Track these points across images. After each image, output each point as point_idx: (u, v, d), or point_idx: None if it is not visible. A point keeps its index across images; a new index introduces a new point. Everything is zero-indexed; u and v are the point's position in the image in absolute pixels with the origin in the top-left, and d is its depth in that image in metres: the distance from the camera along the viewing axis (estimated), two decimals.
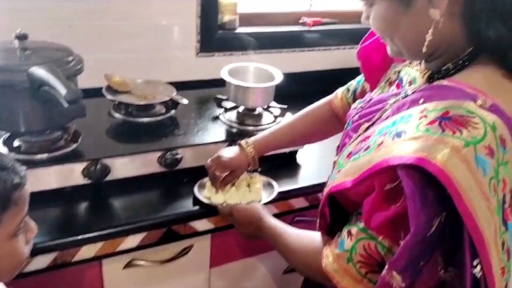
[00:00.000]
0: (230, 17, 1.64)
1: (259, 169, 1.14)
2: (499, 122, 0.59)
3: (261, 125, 1.31)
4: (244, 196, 1.06)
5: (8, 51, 1.03)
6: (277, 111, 1.36)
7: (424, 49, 0.66)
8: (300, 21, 1.83)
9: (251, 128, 1.29)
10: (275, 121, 1.33)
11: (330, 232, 0.77)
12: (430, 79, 0.71)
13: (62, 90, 0.89)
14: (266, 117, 1.35)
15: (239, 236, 1.03)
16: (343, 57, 1.84)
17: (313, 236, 0.83)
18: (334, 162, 0.85)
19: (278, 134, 1.11)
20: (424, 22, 0.64)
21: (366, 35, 0.95)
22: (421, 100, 0.65)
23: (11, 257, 0.71)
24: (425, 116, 0.61)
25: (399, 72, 0.83)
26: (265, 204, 1.06)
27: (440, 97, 0.63)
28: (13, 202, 0.68)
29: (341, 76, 1.20)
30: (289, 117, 1.15)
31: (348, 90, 1.09)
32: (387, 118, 0.71)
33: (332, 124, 1.09)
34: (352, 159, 0.71)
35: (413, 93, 0.70)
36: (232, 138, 1.23)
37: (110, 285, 1.04)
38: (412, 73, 0.78)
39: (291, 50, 1.76)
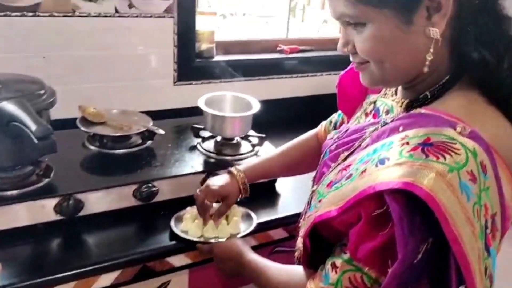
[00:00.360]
0: (207, 45, 1.64)
1: (238, 199, 1.12)
2: (479, 149, 0.59)
3: (239, 154, 1.30)
4: (222, 229, 1.04)
5: None
6: (255, 140, 1.35)
7: (425, 69, 0.66)
8: (277, 48, 1.84)
9: (229, 157, 1.28)
10: (253, 150, 1.32)
11: (311, 264, 0.76)
12: (408, 107, 0.71)
13: (32, 126, 0.87)
14: (244, 146, 1.34)
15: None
16: (320, 83, 1.85)
17: (295, 271, 0.82)
18: (313, 192, 0.84)
19: (269, 163, 1.11)
20: (421, 42, 0.65)
21: (348, 68, 0.96)
22: (401, 128, 0.65)
23: None
24: (407, 143, 0.61)
25: (374, 102, 0.84)
26: (244, 236, 1.04)
27: (420, 125, 0.63)
28: None
29: (318, 102, 1.21)
30: (281, 146, 1.15)
31: (330, 122, 1.10)
32: (366, 146, 0.71)
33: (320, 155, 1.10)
34: (334, 188, 0.71)
35: (391, 121, 0.71)
36: (210, 169, 1.21)
37: None
38: (389, 102, 0.78)
39: (269, 77, 1.77)
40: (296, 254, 0.86)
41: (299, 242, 0.85)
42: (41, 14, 1.32)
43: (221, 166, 1.23)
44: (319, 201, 0.73)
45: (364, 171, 0.65)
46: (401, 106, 0.74)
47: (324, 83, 1.84)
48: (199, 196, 1.03)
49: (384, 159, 0.62)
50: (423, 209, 0.55)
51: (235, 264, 0.94)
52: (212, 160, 1.27)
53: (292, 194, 1.27)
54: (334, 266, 0.68)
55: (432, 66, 0.66)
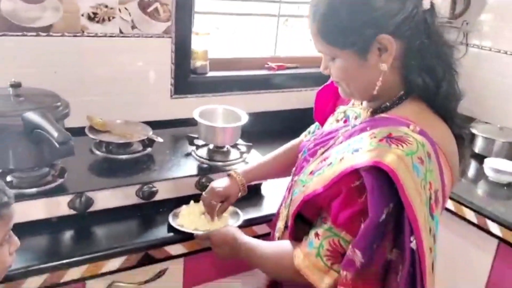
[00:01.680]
0: (201, 62, 1.81)
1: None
2: (426, 142, 0.80)
3: (229, 160, 1.47)
4: (212, 224, 1.20)
5: (2, 98, 1.16)
6: (243, 148, 1.53)
7: (375, 92, 0.87)
8: (266, 65, 2.02)
9: (220, 163, 1.45)
10: (241, 157, 1.49)
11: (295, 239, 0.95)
12: (373, 113, 0.92)
13: (54, 133, 1.03)
14: (234, 154, 1.51)
15: (212, 259, 1.18)
16: (305, 98, 2.02)
17: (283, 243, 1.00)
18: (293, 182, 1.02)
19: (263, 166, 1.29)
20: (374, 72, 0.85)
21: (323, 86, 1.15)
22: (368, 128, 0.86)
23: None
24: (375, 137, 0.82)
25: (344, 111, 1.05)
26: None
27: (383, 125, 0.84)
28: (0, 217, 0.80)
29: (302, 115, 1.37)
30: (272, 152, 1.32)
31: (309, 132, 1.29)
32: (341, 142, 0.92)
33: None
34: (317, 174, 0.90)
35: (360, 124, 0.92)
36: (203, 173, 1.38)
37: None
38: (357, 110, 1.00)
39: (257, 92, 1.95)
40: (277, 235, 1.05)
41: (280, 225, 1.03)
42: (53, 34, 1.49)
43: (213, 170, 1.40)
44: (303, 186, 0.93)
45: (342, 158, 0.85)
46: (367, 113, 0.94)
47: (308, 97, 2.00)
48: (206, 198, 1.21)
49: (358, 149, 0.83)
50: (387, 181, 0.76)
51: (230, 247, 1.09)
52: (205, 165, 1.43)
53: (274, 196, 1.42)
54: (316, 234, 0.88)
55: (384, 87, 0.87)
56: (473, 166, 1.86)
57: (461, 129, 0.91)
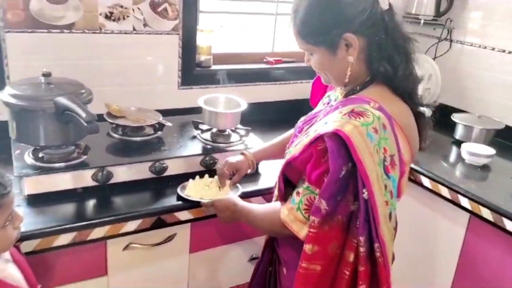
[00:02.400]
0: (205, 57, 2.01)
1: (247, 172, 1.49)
2: (382, 116, 0.99)
3: (230, 142, 1.66)
4: (215, 194, 1.40)
5: (36, 85, 1.36)
6: (242, 132, 1.72)
7: (346, 79, 1.07)
8: (264, 60, 2.21)
9: (222, 145, 1.64)
10: (240, 139, 1.68)
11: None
12: (346, 95, 1.12)
13: (82, 113, 1.22)
14: (234, 137, 1.70)
15: (215, 227, 1.38)
16: (299, 90, 2.22)
17: (273, 204, 1.21)
18: (285, 154, 1.21)
19: (271, 148, 1.51)
20: (344, 64, 1.05)
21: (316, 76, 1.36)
22: (340, 107, 1.06)
23: (2, 241, 0.97)
24: (341, 112, 1.02)
25: (329, 96, 1.26)
26: None
27: (350, 103, 1.04)
28: (0, 206, 0.93)
29: (297, 105, 1.56)
30: (279, 136, 1.51)
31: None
32: (320, 120, 1.12)
33: None
34: (298, 143, 1.11)
35: (336, 104, 1.11)
36: (207, 153, 1.57)
37: (112, 263, 1.35)
38: (337, 94, 1.20)
39: (256, 84, 2.14)
40: (273, 199, 1.25)
41: (276, 192, 1.23)
42: (75, 31, 1.68)
43: (215, 151, 1.59)
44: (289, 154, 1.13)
45: (316, 130, 1.05)
46: (342, 95, 1.15)
47: (302, 89, 2.20)
48: (220, 168, 1.43)
49: (327, 122, 1.03)
50: (345, 145, 0.95)
51: (231, 212, 1.28)
52: (209, 146, 1.62)
53: (269, 174, 1.61)
54: (298, 193, 1.08)
55: (353, 76, 1.07)
56: (454, 151, 2.05)
57: (418, 107, 1.11)
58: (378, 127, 0.98)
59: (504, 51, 2.15)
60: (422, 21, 2.32)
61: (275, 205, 1.18)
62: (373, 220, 0.97)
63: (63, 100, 1.26)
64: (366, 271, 1.00)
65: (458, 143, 2.03)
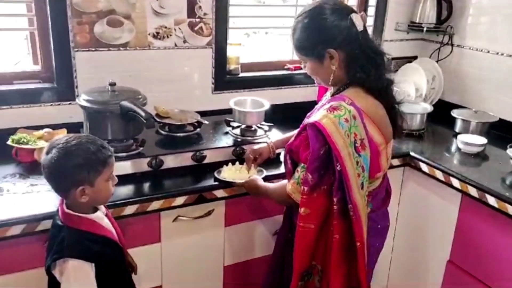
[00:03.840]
0: (234, 66, 2.36)
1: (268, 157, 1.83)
2: (353, 109, 1.32)
3: (256, 136, 2.01)
4: (245, 177, 1.73)
5: (104, 92, 1.73)
6: (266, 128, 2.06)
7: (330, 82, 1.41)
8: (285, 66, 2.55)
9: (249, 138, 1.99)
10: (265, 134, 2.02)
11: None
12: (332, 95, 1.45)
13: (142, 113, 1.59)
14: (259, 132, 2.05)
15: (245, 204, 1.75)
16: (315, 92, 2.53)
17: (283, 182, 1.54)
18: None
19: (287, 138, 1.78)
20: (329, 71, 1.39)
21: None
22: (326, 103, 1.39)
23: (106, 191, 1.33)
24: (324, 108, 1.34)
25: (326, 95, 1.59)
26: None
27: (332, 101, 1.37)
28: (107, 163, 1.30)
29: (313, 106, 1.86)
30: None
31: None
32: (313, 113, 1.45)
33: None
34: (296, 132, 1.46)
35: (324, 101, 1.45)
36: (237, 144, 1.92)
37: (164, 232, 1.72)
38: (328, 94, 1.54)
39: (278, 88, 2.48)
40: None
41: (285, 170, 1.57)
42: (128, 48, 2.07)
43: (244, 143, 1.94)
44: None
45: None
46: (330, 95, 1.48)
47: (317, 91, 2.53)
48: (246, 153, 1.79)
49: (314, 115, 1.35)
50: (322, 133, 1.28)
51: (255, 190, 1.65)
52: (239, 139, 1.97)
53: None
54: (297, 170, 1.41)
55: (336, 79, 1.40)
56: (453, 142, 2.33)
57: (389, 102, 1.43)
58: (348, 117, 1.30)
59: (497, 53, 2.43)
60: (425, 29, 2.62)
61: (283, 182, 1.52)
62: (346, 187, 1.29)
63: (127, 103, 1.63)
64: (338, 224, 1.34)
65: (457, 135, 2.30)
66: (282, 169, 1.87)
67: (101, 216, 1.36)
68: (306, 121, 1.35)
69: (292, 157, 1.47)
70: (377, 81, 1.39)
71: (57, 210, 1.34)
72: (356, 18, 1.36)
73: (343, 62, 1.37)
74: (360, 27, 1.36)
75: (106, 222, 1.37)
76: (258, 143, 1.94)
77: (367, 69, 1.37)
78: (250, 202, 1.84)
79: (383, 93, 1.42)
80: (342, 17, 1.35)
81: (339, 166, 1.29)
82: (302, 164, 1.38)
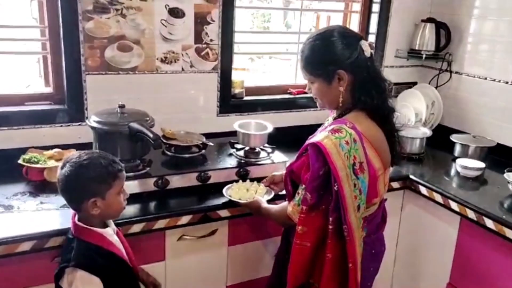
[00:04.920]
0: (239, 90, 2.44)
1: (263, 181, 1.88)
2: (354, 133, 1.37)
3: (259, 158, 2.06)
4: (251, 196, 1.77)
5: (113, 114, 1.80)
6: (269, 150, 2.12)
7: (340, 104, 1.45)
8: (288, 91, 2.63)
9: (252, 160, 2.04)
10: (268, 156, 2.08)
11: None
12: (335, 119, 1.50)
13: (150, 134, 1.65)
14: (262, 154, 2.11)
15: (247, 225, 1.77)
16: (318, 116, 2.59)
17: (283, 204, 1.58)
18: None
19: None
20: (336, 92, 1.44)
21: None
22: (328, 126, 1.44)
23: (117, 205, 1.40)
24: (327, 130, 1.39)
25: (328, 119, 1.63)
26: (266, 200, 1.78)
27: (334, 124, 1.41)
28: (118, 177, 1.38)
29: (315, 129, 1.92)
30: None
31: None
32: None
33: None
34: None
35: (327, 125, 1.50)
36: (240, 166, 1.97)
37: (169, 251, 1.76)
38: (330, 118, 1.59)
39: (281, 111, 2.55)
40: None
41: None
42: (137, 72, 2.15)
43: (248, 164, 1.99)
44: None
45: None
46: (333, 118, 1.53)
47: (320, 116, 2.58)
48: (271, 176, 1.87)
49: (315, 137, 1.40)
50: (322, 154, 1.33)
51: (256, 211, 1.69)
52: (242, 161, 2.03)
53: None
54: (297, 193, 1.46)
55: (343, 101, 1.45)
56: (452, 166, 2.37)
57: (390, 129, 1.48)
58: (349, 140, 1.35)
59: (494, 80, 2.50)
60: (424, 56, 2.70)
61: (284, 204, 1.57)
62: (342, 207, 1.34)
63: (135, 125, 1.70)
64: (332, 244, 1.38)
65: (456, 159, 2.35)
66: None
67: (110, 233, 1.41)
68: (308, 142, 1.41)
69: (293, 178, 1.52)
70: (381, 107, 1.44)
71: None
72: (364, 44, 1.42)
73: (349, 86, 1.43)
74: (368, 54, 1.43)
75: (115, 239, 1.41)
76: (261, 164, 1.99)
77: (372, 94, 1.42)
78: (253, 222, 1.88)
79: (385, 119, 1.47)
80: (352, 42, 1.42)
81: (336, 186, 1.33)
82: (303, 186, 1.43)
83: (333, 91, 1.44)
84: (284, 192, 1.80)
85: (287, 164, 1.55)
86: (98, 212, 1.35)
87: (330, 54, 1.42)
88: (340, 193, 1.33)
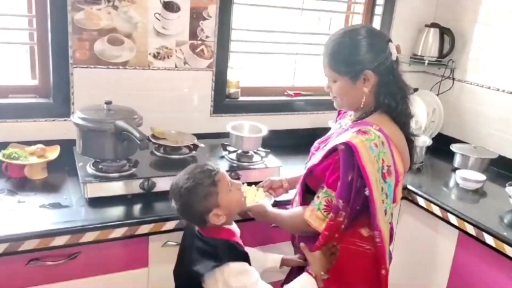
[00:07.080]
0: (234, 89, 2.35)
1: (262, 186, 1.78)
2: (381, 135, 1.31)
3: (252, 162, 1.97)
4: (250, 201, 1.66)
5: (99, 111, 1.71)
6: (263, 154, 2.03)
7: (361, 105, 1.39)
8: (285, 92, 2.54)
9: (245, 164, 1.95)
10: (261, 160, 1.99)
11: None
12: (355, 120, 1.43)
13: (136, 133, 1.56)
14: (256, 157, 2.02)
15: (246, 231, 1.66)
16: (315, 119, 2.53)
17: (296, 208, 1.50)
18: (305, 168, 1.52)
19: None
20: (359, 93, 1.37)
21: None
22: (350, 128, 1.37)
23: (235, 200, 1.40)
24: (351, 131, 1.32)
25: (340, 123, 1.56)
26: None
27: (358, 126, 1.35)
28: (219, 180, 1.36)
29: (312, 133, 1.84)
30: None
31: None
32: (334, 138, 1.42)
33: None
34: (318, 154, 1.42)
35: (347, 127, 1.42)
36: (232, 170, 1.88)
37: (152, 257, 1.66)
38: (346, 121, 1.51)
39: (278, 113, 2.46)
40: (294, 205, 1.55)
41: (297, 199, 1.54)
42: (128, 67, 2.05)
43: (240, 168, 1.91)
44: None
45: (332, 144, 1.36)
46: (351, 120, 1.46)
47: (318, 119, 2.52)
48: (268, 180, 1.76)
49: (341, 137, 1.33)
50: (352, 154, 1.26)
51: (262, 214, 1.58)
52: (234, 165, 1.94)
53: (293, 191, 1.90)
54: (317, 196, 1.38)
55: (365, 103, 1.38)
56: (452, 177, 2.29)
57: (409, 134, 1.43)
58: (378, 143, 1.29)
59: (498, 89, 2.42)
60: (426, 62, 2.62)
61: (297, 209, 1.48)
62: (372, 213, 1.29)
63: (121, 123, 1.61)
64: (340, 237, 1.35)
65: (456, 170, 2.28)
66: (286, 197, 1.81)
67: (237, 230, 1.47)
68: (333, 142, 1.34)
69: (308, 181, 1.45)
70: (403, 112, 1.39)
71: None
72: (392, 46, 1.37)
73: (374, 87, 1.36)
74: (394, 57, 1.37)
75: (239, 237, 1.45)
76: (253, 168, 1.91)
77: (397, 98, 1.37)
78: (244, 228, 1.78)
79: (406, 124, 1.42)
80: (381, 43, 1.36)
81: (367, 190, 1.28)
82: (325, 190, 1.36)
83: (356, 91, 1.38)
84: (279, 198, 1.75)
85: (307, 165, 1.47)
86: (224, 219, 1.37)
87: (358, 52, 1.35)
88: (370, 198, 1.28)
